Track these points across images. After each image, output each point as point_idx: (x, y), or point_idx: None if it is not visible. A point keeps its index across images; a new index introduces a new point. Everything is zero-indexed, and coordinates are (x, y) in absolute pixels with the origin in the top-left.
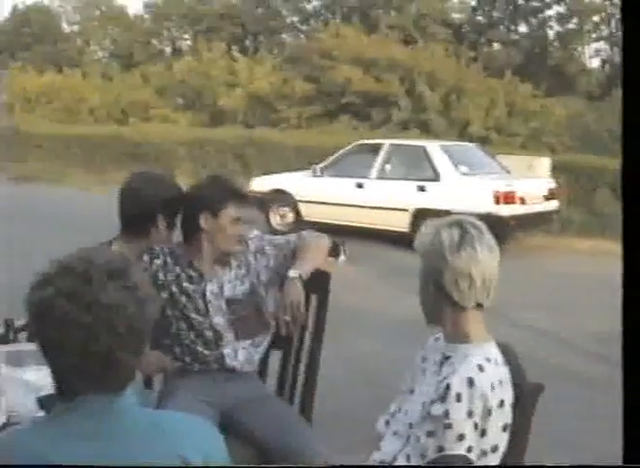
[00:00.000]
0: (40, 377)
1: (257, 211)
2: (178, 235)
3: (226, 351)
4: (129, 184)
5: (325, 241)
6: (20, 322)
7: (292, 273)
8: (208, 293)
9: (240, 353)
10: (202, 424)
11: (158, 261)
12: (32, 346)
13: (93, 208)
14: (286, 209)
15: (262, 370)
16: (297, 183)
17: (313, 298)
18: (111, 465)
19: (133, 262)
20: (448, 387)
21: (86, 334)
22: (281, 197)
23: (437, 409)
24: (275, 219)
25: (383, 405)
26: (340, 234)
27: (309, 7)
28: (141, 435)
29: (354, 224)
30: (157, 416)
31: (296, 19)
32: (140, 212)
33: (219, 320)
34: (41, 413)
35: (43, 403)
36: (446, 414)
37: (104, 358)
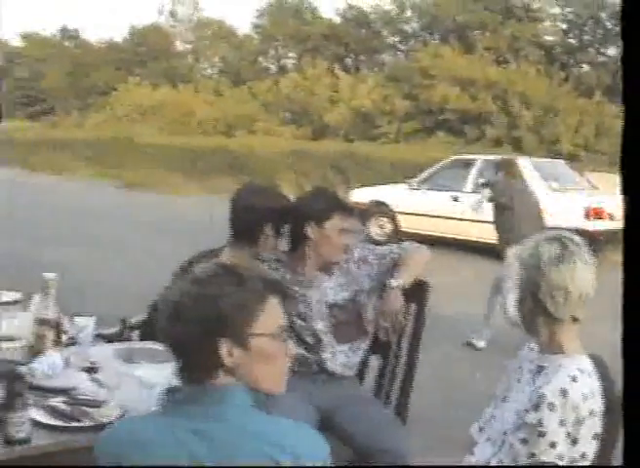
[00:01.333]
0: (152, 375)
1: (357, 221)
2: (284, 243)
3: (326, 355)
4: (240, 195)
5: (425, 252)
6: (134, 320)
7: (393, 282)
8: (311, 299)
9: (340, 357)
10: (311, 435)
11: (265, 267)
12: (145, 344)
13: (198, 215)
14: (384, 219)
15: (361, 373)
16: (395, 195)
17: (412, 307)
18: (212, 462)
19: (252, 268)
20: (542, 397)
21: (202, 332)
22: (380, 208)
23: (531, 418)
24: (374, 229)
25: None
26: (436, 245)
27: (409, 28)
28: (245, 436)
29: (449, 236)
30: (263, 421)
31: (396, 39)
32: (250, 220)
33: (320, 325)
34: (155, 408)
35: (169, 393)
36: (539, 423)
37: (212, 352)
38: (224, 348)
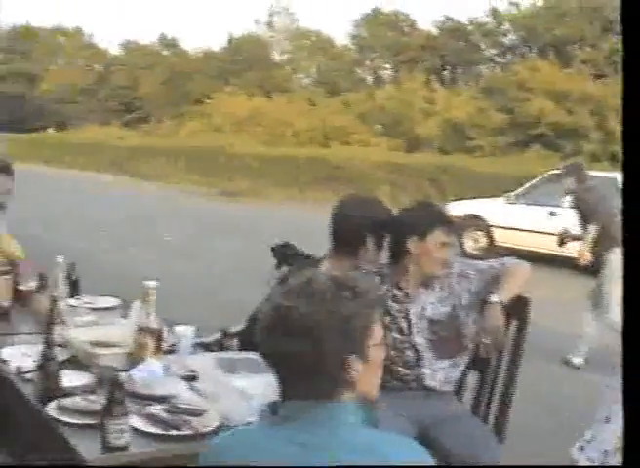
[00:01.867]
0: (252, 385)
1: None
2: (384, 256)
3: (426, 371)
4: (343, 205)
5: (526, 268)
6: (234, 329)
7: (494, 298)
8: (411, 314)
9: (439, 373)
10: (418, 450)
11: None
12: (244, 355)
13: (293, 224)
14: (479, 233)
15: (459, 389)
16: (490, 209)
17: (512, 323)
18: None
19: (356, 281)
20: None
21: (309, 346)
22: (475, 222)
23: None
24: (468, 243)
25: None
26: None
27: (507, 41)
28: (354, 451)
29: (545, 251)
30: (374, 436)
31: (493, 51)
32: (351, 232)
33: (419, 340)
34: (253, 419)
35: (271, 407)
36: None
37: (324, 368)
38: (352, 363)
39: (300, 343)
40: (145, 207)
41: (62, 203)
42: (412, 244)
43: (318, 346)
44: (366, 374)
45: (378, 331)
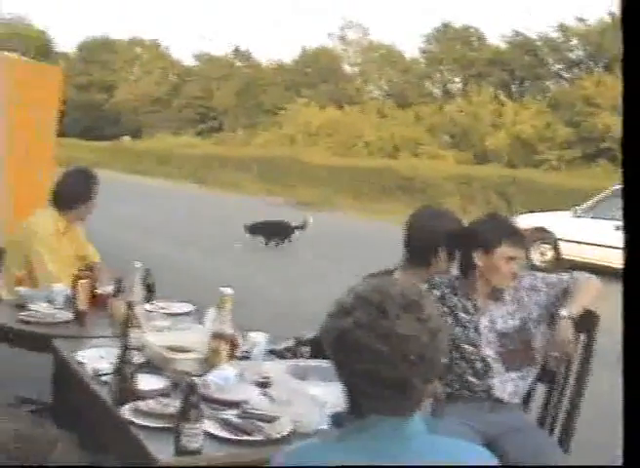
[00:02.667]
0: (325, 393)
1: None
2: (456, 267)
3: (495, 382)
4: (418, 216)
5: (596, 283)
6: (307, 336)
7: (564, 312)
8: (481, 326)
9: (508, 385)
10: (488, 456)
11: (437, 292)
12: (317, 362)
13: (364, 235)
14: (546, 246)
15: (526, 401)
16: (557, 222)
17: (581, 337)
18: None
19: (426, 294)
20: None
21: (381, 362)
22: (542, 235)
23: None
24: (535, 256)
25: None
26: (597, 274)
27: (574, 56)
28: (427, 460)
29: (612, 265)
30: (448, 445)
31: (560, 66)
32: (425, 243)
33: (489, 352)
34: (325, 426)
35: (335, 419)
36: None
37: (397, 384)
38: (435, 383)
39: (420, 367)
40: (217, 215)
41: (137, 210)
42: (478, 257)
43: (433, 367)
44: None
45: None
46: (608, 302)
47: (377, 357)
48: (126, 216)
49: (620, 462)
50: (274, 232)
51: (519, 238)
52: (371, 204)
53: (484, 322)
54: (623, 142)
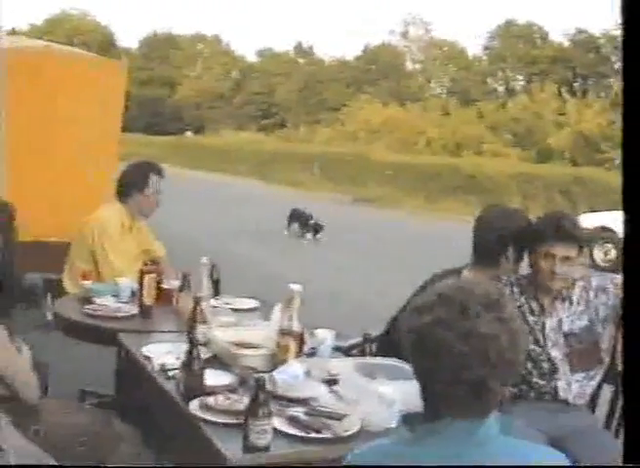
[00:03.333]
0: (393, 391)
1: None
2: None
3: (561, 383)
4: (487, 215)
5: None
6: (375, 334)
7: None
8: (547, 327)
9: (574, 386)
10: (561, 458)
11: (505, 291)
12: (384, 360)
13: (428, 234)
14: (609, 245)
15: (593, 402)
16: (621, 222)
17: None
18: None
19: (506, 294)
20: None
21: (460, 363)
22: (605, 234)
23: None
24: (599, 256)
25: None
26: None
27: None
28: (505, 463)
29: None
30: (521, 447)
31: None
32: (494, 242)
33: (555, 353)
34: (393, 425)
35: (407, 420)
36: None
37: (475, 386)
38: (508, 387)
39: (501, 369)
40: (279, 212)
41: (200, 205)
42: (532, 256)
43: (513, 369)
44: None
45: None
46: None
47: (455, 356)
48: (190, 213)
49: None
50: (307, 224)
51: (565, 236)
52: (435, 202)
53: (550, 323)
54: (624, 141)
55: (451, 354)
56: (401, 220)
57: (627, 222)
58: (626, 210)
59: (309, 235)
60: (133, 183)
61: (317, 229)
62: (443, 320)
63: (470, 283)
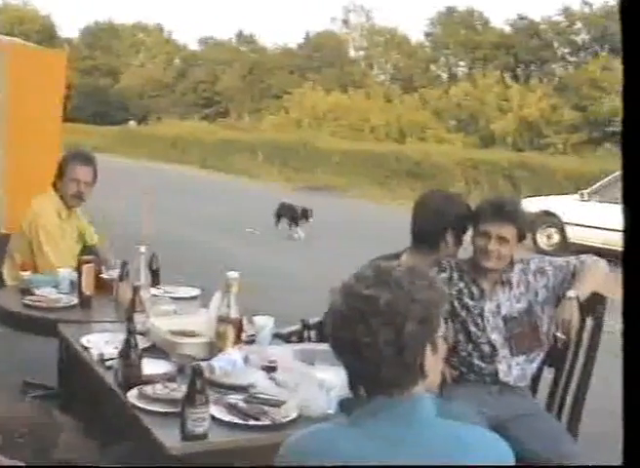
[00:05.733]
0: (332, 377)
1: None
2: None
3: (501, 366)
4: (425, 200)
5: (604, 266)
6: (313, 321)
7: (570, 293)
8: (486, 312)
9: (514, 369)
10: (500, 441)
11: (444, 275)
12: (323, 346)
13: (377, 219)
14: (552, 230)
15: (534, 385)
16: (564, 206)
17: (588, 321)
18: None
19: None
20: None
21: (375, 337)
22: (548, 219)
23: None
24: (542, 240)
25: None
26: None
27: (579, 39)
28: (442, 445)
29: (619, 249)
30: (458, 429)
31: (566, 50)
32: (432, 227)
33: (495, 336)
34: (332, 411)
35: (344, 404)
36: None
37: (393, 361)
38: (427, 353)
39: (383, 332)
40: (228, 200)
41: (144, 194)
42: (472, 239)
43: (400, 334)
44: (435, 365)
45: (442, 322)
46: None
47: (388, 330)
48: (132, 202)
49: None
50: (295, 216)
51: (501, 215)
52: (380, 188)
53: (489, 307)
54: (623, 139)
55: (386, 327)
56: (348, 207)
57: (627, 216)
58: (626, 202)
59: (300, 230)
60: (58, 173)
61: (306, 216)
62: (373, 296)
63: (383, 261)
